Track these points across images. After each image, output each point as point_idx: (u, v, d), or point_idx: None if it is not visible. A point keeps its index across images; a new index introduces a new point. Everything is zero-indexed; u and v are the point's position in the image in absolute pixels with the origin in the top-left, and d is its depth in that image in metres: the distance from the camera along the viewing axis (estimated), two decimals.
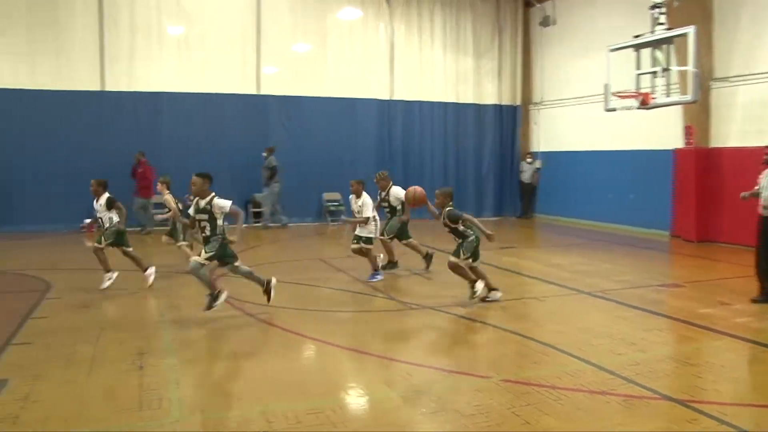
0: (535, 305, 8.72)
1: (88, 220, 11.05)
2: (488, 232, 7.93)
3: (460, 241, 8.14)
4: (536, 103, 20.32)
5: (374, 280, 9.76)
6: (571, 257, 12.37)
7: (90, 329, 7.13)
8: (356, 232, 10.03)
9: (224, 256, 7.49)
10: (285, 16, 17.71)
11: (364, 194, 10.00)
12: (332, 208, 17.91)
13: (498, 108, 20.25)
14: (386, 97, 18.92)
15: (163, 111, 16.59)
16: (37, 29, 15.61)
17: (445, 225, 8.17)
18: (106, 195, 9.14)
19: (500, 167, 20.36)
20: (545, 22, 18.67)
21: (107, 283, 9.05)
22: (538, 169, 19.79)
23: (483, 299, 8.23)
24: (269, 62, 17.70)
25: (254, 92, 17.55)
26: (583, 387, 5.27)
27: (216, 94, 16.92)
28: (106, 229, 9.11)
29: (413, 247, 10.62)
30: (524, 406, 4.87)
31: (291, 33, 17.84)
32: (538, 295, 9.14)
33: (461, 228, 8.11)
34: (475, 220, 8.13)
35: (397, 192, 10.30)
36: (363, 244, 9.89)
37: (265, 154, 16.59)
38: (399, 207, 10.34)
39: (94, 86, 16.16)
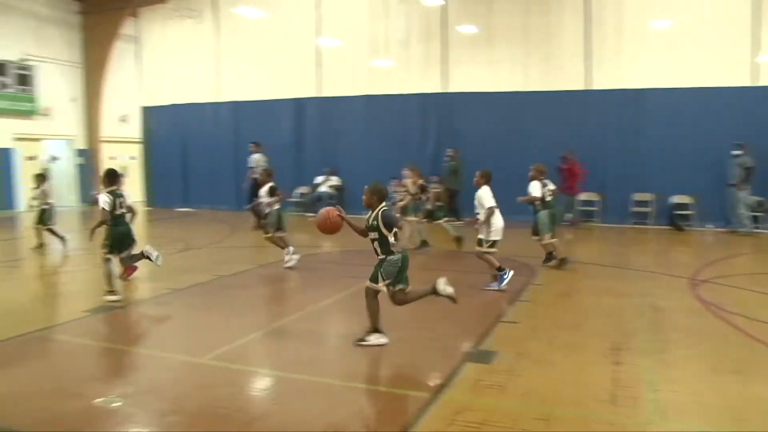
0: None
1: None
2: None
3: (383, 257, 6.18)
4: None
5: (492, 288, 8.71)
6: None
7: (570, 317, 7.56)
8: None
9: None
10: None
11: (485, 187, 8.84)
12: None
13: None
14: None
15: (648, 107, 16.26)
16: (531, 38, 17.61)
17: (372, 230, 6.17)
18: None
19: None
20: None
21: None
22: None
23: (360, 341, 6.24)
24: None
25: (747, 84, 15.89)
26: None
27: (704, 88, 15.64)
28: None
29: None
30: None
31: None
32: None
33: (392, 240, 6.15)
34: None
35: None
36: (476, 247, 8.94)
37: (739, 152, 14.73)
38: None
39: (579, 86, 17.11)
